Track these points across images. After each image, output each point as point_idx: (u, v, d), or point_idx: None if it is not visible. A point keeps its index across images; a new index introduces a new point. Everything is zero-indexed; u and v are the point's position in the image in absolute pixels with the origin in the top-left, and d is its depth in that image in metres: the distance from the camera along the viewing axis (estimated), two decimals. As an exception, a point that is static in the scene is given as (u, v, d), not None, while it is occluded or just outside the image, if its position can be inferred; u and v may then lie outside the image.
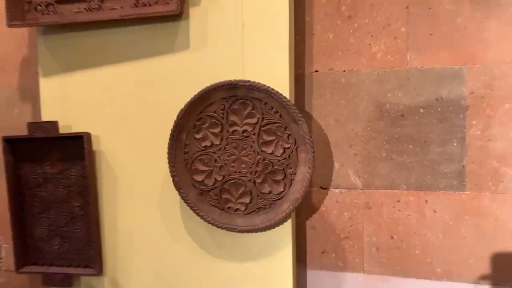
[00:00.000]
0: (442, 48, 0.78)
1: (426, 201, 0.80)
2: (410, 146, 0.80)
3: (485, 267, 0.77)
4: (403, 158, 0.80)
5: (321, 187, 0.85)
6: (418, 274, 0.81)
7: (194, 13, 0.84)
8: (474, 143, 0.77)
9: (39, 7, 0.91)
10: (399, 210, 0.81)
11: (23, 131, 0.95)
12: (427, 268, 0.81)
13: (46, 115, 0.95)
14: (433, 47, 0.78)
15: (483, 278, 0.78)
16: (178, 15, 0.83)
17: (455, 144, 0.78)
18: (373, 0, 0.81)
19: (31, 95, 1.02)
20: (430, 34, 0.79)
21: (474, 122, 0.77)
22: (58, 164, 0.93)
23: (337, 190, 0.84)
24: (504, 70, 0.75)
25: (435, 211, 0.80)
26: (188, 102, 0.80)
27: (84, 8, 0.89)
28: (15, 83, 1.04)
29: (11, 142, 0.94)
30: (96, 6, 0.88)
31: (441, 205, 0.79)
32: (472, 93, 0.77)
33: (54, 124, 0.92)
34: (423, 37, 0.79)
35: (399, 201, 0.81)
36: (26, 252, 0.97)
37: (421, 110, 0.79)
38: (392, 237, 0.82)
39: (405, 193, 0.81)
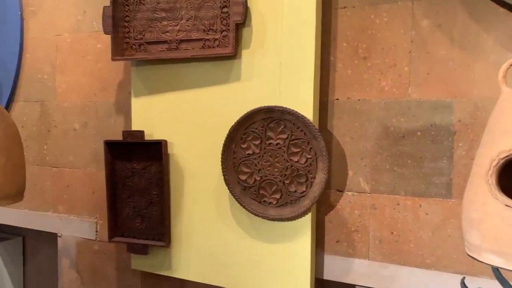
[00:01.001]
0: (436, 84, 0.97)
1: (420, 206, 0.99)
2: (409, 161, 1.00)
3: (465, 260, 0.95)
4: (403, 170, 1.01)
5: (337, 190, 1.07)
6: (412, 263, 1.00)
7: (245, 54, 1.10)
8: (460, 161, 0.95)
9: (134, 46, 1.24)
10: (398, 212, 1.01)
11: (118, 137, 1.29)
12: (419, 259, 1.00)
13: (136, 125, 1.26)
14: (430, 83, 0.98)
15: (464, 269, 0.96)
16: (233, 56, 1.11)
17: (444, 161, 0.97)
18: (384, 45, 1.02)
19: (124, 109, 1.35)
20: (427, 73, 0.98)
21: (460, 144, 0.95)
22: (142, 162, 1.24)
23: (350, 193, 1.06)
24: (485, 104, 0.93)
25: (427, 213, 0.99)
26: (237, 120, 1.07)
27: (166, 48, 1.20)
28: (113, 100, 1.38)
29: (110, 145, 1.26)
30: (174, 47, 1.19)
31: (432, 209, 0.98)
32: (459, 121, 0.95)
33: (141, 133, 1.23)
34: (422, 75, 0.99)
35: (398, 204, 1.02)
36: (116, 227, 1.29)
37: (418, 133, 0.99)
38: (392, 233, 1.02)
39: (403, 198, 1.01)
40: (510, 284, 0.69)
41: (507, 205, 0.55)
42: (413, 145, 1.00)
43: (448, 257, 0.97)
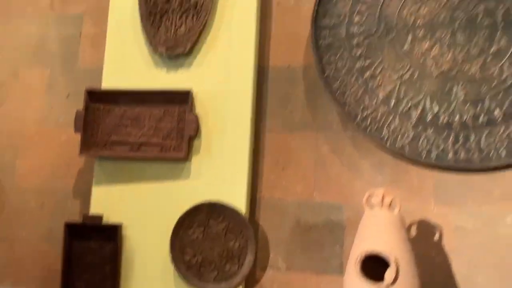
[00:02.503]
0: (332, 192, 1.37)
1: (322, 281, 1.34)
2: (314, 247, 1.36)
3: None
4: (310, 253, 1.36)
5: (261, 269, 1.39)
6: (315, 326, 1.33)
7: (195, 158, 1.41)
8: (348, 247, 1.33)
9: (100, 144, 1.49)
10: (306, 286, 1.35)
11: (74, 218, 1.48)
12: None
13: (94, 209, 1.48)
14: (328, 191, 1.37)
15: None
16: (185, 159, 1.42)
17: (338, 247, 1.34)
18: (296, 161, 1.42)
19: (82, 194, 1.54)
20: (326, 184, 1.39)
21: (348, 236, 1.34)
22: (98, 241, 1.43)
23: (270, 271, 1.38)
24: (363, 209, 1.34)
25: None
26: (185, 211, 1.36)
27: (129, 149, 1.47)
28: (72, 185, 1.58)
29: (70, 226, 1.46)
30: (136, 148, 1.47)
31: (330, 285, 1.33)
32: (347, 219, 1.35)
33: (100, 217, 1.45)
34: (322, 185, 1.38)
35: (306, 280, 1.35)
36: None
37: (321, 226, 1.36)
38: (301, 302, 1.35)
39: (309, 275, 1.35)
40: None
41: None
42: (317, 234, 1.36)
43: (341, 320, 1.31)
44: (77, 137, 1.46)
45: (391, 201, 1.04)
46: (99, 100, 1.48)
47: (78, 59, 1.64)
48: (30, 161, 1.63)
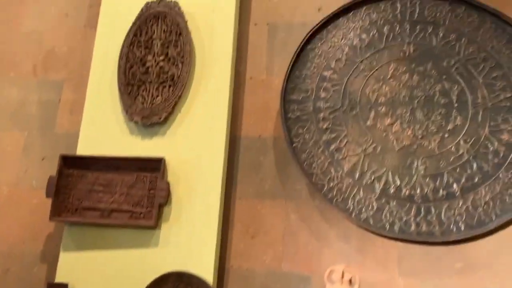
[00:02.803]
0: (300, 262, 1.38)
1: None
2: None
3: None
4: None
5: None
6: None
7: (164, 226, 1.42)
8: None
9: (71, 209, 1.49)
10: None
11: (40, 284, 1.45)
12: None
13: (60, 277, 1.43)
14: (296, 261, 1.39)
15: None
16: (154, 227, 1.43)
17: (305, 319, 1.33)
18: (266, 229, 1.44)
19: (49, 260, 1.53)
20: (294, 253, 1.40)
21: (315, 307, 1.34)
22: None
23: None
24: (331, 279, 1.35)
25: None
26: (153, 280, 1.34)
27: (99, 215, 1.48)
28: (39, 250, 1.56)
29: (33, 294, 1.43)
30: (107, 215, 1.48)
31: None
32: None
33: (65, 285, 1.42)
34: (290, 255, 1.40)
35: None
36: None
37: (288, 297, 1.37)
38: None
39: None
40: None
41: None
42: (284, 306, 1.36)
43: None
44: (49, 201, 1.46)
45: (351, 278, 1.06)
46: (73, 165, 1.50)
47: (56, 124, 1.68)
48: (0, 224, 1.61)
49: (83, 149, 1.54)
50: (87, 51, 1.74)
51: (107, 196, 1.47)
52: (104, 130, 1.55)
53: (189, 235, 1.40)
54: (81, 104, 1.63)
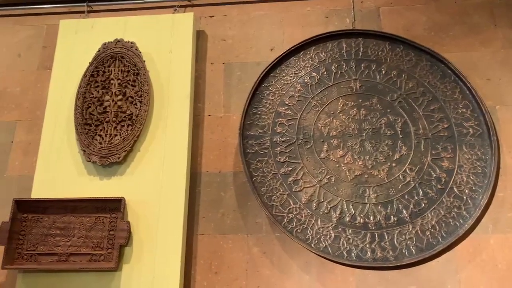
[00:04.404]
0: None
1: None
2: None
3: None
4: None
5: None
6: None
7: (125, 267, 1.40)
8: None
9: (25, 256, 1.43)
10: None
11: None
12: None
13: (13, 329, 1.38)
14: (259, 293, 1.41)
15: None
16: (115, 268, 1.40)
17: None
18: (229, 264, 1.45)
19: (1, 311, 1.46)
20: (258, 286, 1.42)
21: None
22: None
23: None
24: (294, 309, 1.38)
25: None
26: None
27: (56, 260, 1.43)
28: (-11, 301, 1.48)
29: None
30: (64, 259, 1.43)
31: None
32: (279, 322, 1.37)
33: (19, 337, 1.35)
34: (256, 285, 1.42)
35: None
36: None
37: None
38: None
39: None
40: None
41: None
42: None
43: None
44: (1, 248, 1.40)
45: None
46: (27, 209, 1.45)
47: (8, 166, 1.63)
48: None
49: (38, 191, 1.50)
50: (41, 92, 1.72)
51: (64, 239, 1.43)
52: (61, 171, 1.53)
53: (152, 276, 1.39)
54: (35, 145, 1.60)
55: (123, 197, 1.44)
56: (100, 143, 1.53)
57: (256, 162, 1.53)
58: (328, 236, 1.41)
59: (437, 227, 1.39)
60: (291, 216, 1.45)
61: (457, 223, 1.39)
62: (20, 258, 1.42)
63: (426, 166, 1.47)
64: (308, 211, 1.45)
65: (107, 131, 1.54)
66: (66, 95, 1.62)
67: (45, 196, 1.48)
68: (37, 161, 1.55)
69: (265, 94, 1.61)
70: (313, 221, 1.44)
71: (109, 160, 1.50)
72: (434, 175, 1.46)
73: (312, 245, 1.40)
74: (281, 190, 1.49)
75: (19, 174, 1.61)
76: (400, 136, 1.52)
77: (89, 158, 1.50)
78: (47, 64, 1.75)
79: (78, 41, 1.69)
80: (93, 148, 1.52)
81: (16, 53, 1.82)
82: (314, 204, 1.46)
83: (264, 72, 1.62)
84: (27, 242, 1.43)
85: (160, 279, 1.37)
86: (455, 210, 1.41)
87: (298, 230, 1.43)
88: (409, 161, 1.48)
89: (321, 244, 1.40)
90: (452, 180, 1.45)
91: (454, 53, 1.63)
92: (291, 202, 1.47)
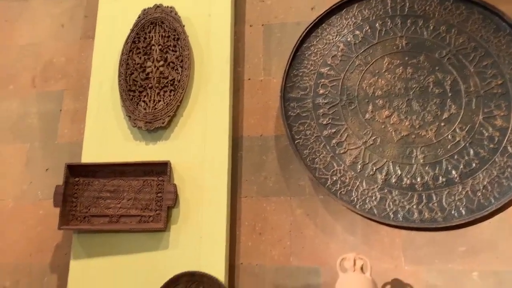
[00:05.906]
0: (309, 255, 1.41)
1: None
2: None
3: None
4: (290, 319, 1.37)
5: (242, 337, 1.39)
6: None
7: (173, 228, 1.44)
8: (326, 311, 1.36)
9: (79, 218, 1.51)
10: None
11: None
12: None
13: (72, 285, 1.47)
14: (304, 254, 1.42)
15: None
16: (164, 230, 1.45)
17: (317, 311, 1.36)
18: (272, 225, 1.47)
19: (58, 270, 1.54)
20: (302, 247, 1.43)
21: (326, 299, 1.37)
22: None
23: None
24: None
25: None
26: (165, 282, 1.36)
27: (108, 221, 1.50)
28: (48, 261, 1.57)
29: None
30: (115, 220, 1.49)
31: None
32: (324, 281, 1.38)
33: (78, 293, 1.44)
34: (298, 249, 1.42)
35: None
36: None
37: None
38: None
39: None
40: None
41: None
42: (295, 299, 1.39)
43: None
44: (56, 211, 1.48)
45: (362, 265, 1.09)
46: (78, 174, 1.52)
47: (58, 134, 1.69)
48: (7, 237, 1.62)
49: (88, 157, 1.56)
50: (85, 60, 1.76)
51: (114, 202, 1.49)
52: (108, 137, 1.57)
53: (199, 236, 1.42)
54: (82, 113, 1.65)
55: (169, 161, 1.47)
56: (145, 109, 1.55)
57: (298, 125, 1.51)
58: (373, 198, 1.39)
59: (489, 187, 1.34)
60: (334, 178, 1.43)
61: (511, 184, 1.33)
62: (74, 219, 1.49)
63: (477, 125, 1.41)
64: (353, 173, 1.43)
65: (150, 97, 1.57)
66: (110, 63, 1.65)
67: (94, 161, 1.53)
68: (85, 128, 1.61)
69: (307, 55, 1.57)
70: (357, 183, 1.42)
71: (154, 125, 1.53)
72: (486, 134, 1.39)
73: (357, 207, 1.39)
74: (324, 153, 1.47)
75: (69, 141, 1.67)
76: (449, 94, 1.45)
77: (134, 124, 1.54)
78: (90, 33, 1.78)
79: (119, 9, 1.70)
80: (138, 114, 1.55)
81: (59, 23, 1.86)
82: (359, 166, 1.43)
83: (305, 31, 1.57)
84: (80, 204, 1.50)
85: (207, 239, 1.41)
86: (509, 170, 1.34)
87: (343, 192, 1.41)
88: (459, 120, 1.42)
89: (366, 206, 1.39)
90: (506, 139, 1.37)
91: (509, 4, 1.52)
92: (334, 164, 1.45)
